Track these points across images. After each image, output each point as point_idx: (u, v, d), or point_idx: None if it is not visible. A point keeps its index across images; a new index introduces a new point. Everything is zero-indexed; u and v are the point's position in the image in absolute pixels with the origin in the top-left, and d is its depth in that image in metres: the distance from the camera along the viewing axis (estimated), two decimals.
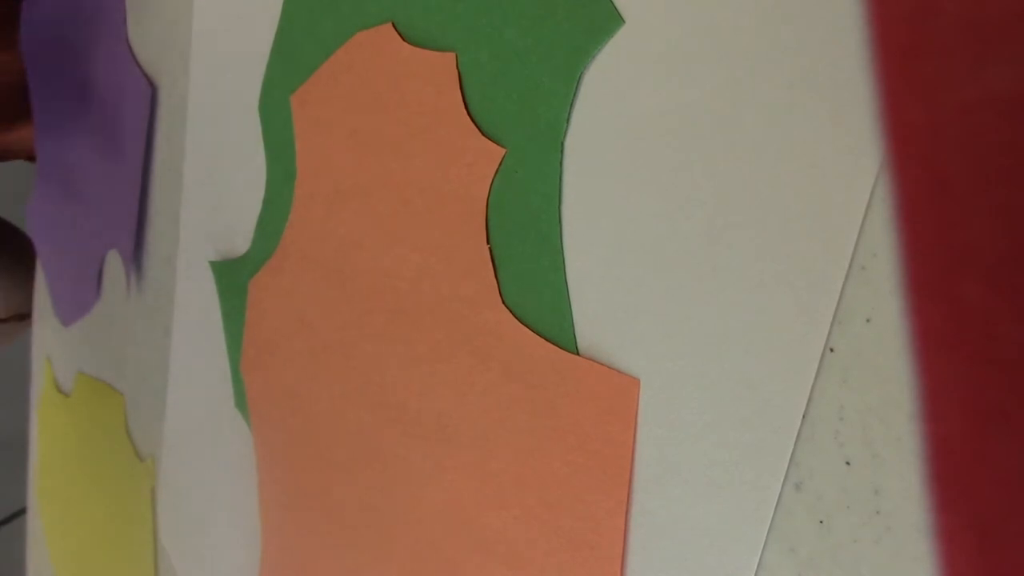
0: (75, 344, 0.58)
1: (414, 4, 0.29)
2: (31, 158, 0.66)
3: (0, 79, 0.59)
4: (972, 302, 0.11)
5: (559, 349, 0.26)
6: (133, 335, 0.50)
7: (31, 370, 0.68)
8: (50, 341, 0.62)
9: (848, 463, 0.21)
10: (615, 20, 0.24)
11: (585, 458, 0.26)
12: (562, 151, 0.25)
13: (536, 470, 0.27)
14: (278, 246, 0.36)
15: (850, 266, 0.20)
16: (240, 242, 0.39)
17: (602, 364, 0.25)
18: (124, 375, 0.52)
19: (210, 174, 0.40)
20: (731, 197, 0.22)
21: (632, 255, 0.24)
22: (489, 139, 0.27)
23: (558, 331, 0.26)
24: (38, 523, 0.68)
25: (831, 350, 0.21)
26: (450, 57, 0.28)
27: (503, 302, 0.27)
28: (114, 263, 0.51)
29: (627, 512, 0.25)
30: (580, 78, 0.25)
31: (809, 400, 0.21)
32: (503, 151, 0.27)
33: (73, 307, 0.55)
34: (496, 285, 0.27)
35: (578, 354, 0.26)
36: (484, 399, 0.28)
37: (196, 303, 0.43)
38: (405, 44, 0.29)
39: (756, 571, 0.23)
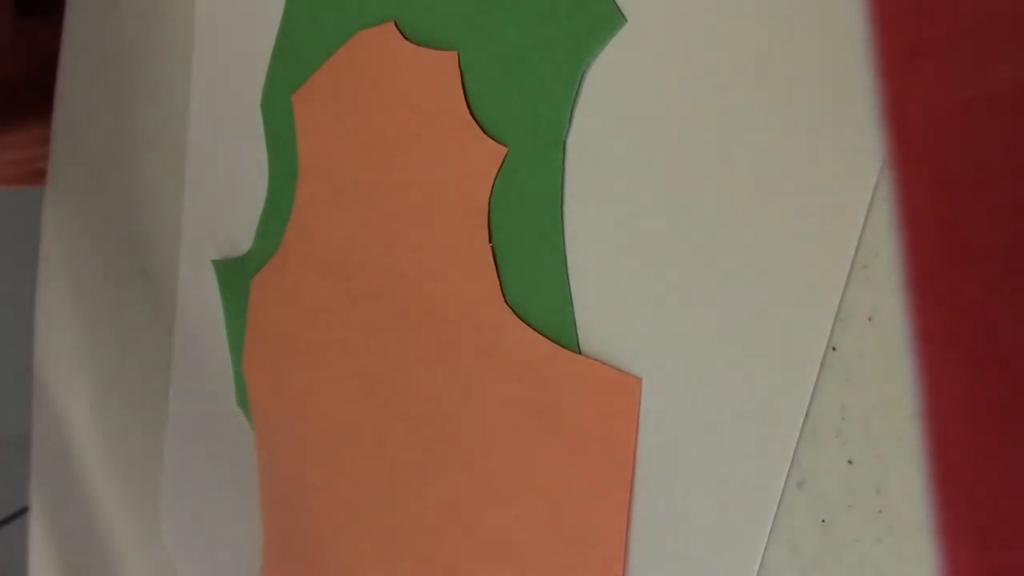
0: (78, 343, 0.58)
1: (415, 3, 0.29)
2: (25, 182, 0.65)
3: None
4: (973, 301, 0.11)
5: (561, 348, 0.26)
6: (135, 335, 0.50)
7: (32, 370, 0.68)
8: (52, 341, 0.62)
9: (850, 462, 0.21)
10: (617, 19, 0.24)
11: (587, 457, 0.26)
12: (564, 150, 0.25)
13: (538, 469, 0.27)
14: (280, 245, 0.36)
15: (852, 265, 0.20)
16: (242, 241, 0.39)
17: (604, 363, 0.25)
18: (127, 373, 0.52)
19: (212, 173, 0.40)
20: (733, 196, 0.22)
21: (634, 254, 0.24)
22: (491, 138, 0.27)
23: (560, 330, 0.26)
24: (40, 522, 0.68)
25: (833, 349, 0.21)
26: (452, 56, 0.28)
27: (505, 301, 0.27)
28: (115, 264, 0.51)
29: (629, 511, 0.25)
30: (582, 77, 0.25)
31: (811, 399, 0.21)
32: (505, 150, 0.27)
33: None
34: (498, 284, 0.28)
35: (580, 353, 0.26)
36: (486, 398, 0.28)
37: (198, 302, 0.43)
38: (407, 43, 0.29)
39: (758, 570, 0.23)
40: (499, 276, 0.28)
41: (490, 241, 0.28)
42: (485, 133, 0.27)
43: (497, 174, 0.27)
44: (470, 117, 0.27)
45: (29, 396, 0.68)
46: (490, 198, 0.27)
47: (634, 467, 0.25)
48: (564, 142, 0.25)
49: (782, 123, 0.21)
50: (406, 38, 0.29)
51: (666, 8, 0.23)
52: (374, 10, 0.30)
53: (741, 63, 0.22)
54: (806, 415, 0.21)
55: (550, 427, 0.27)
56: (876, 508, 0.21)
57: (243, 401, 0.40)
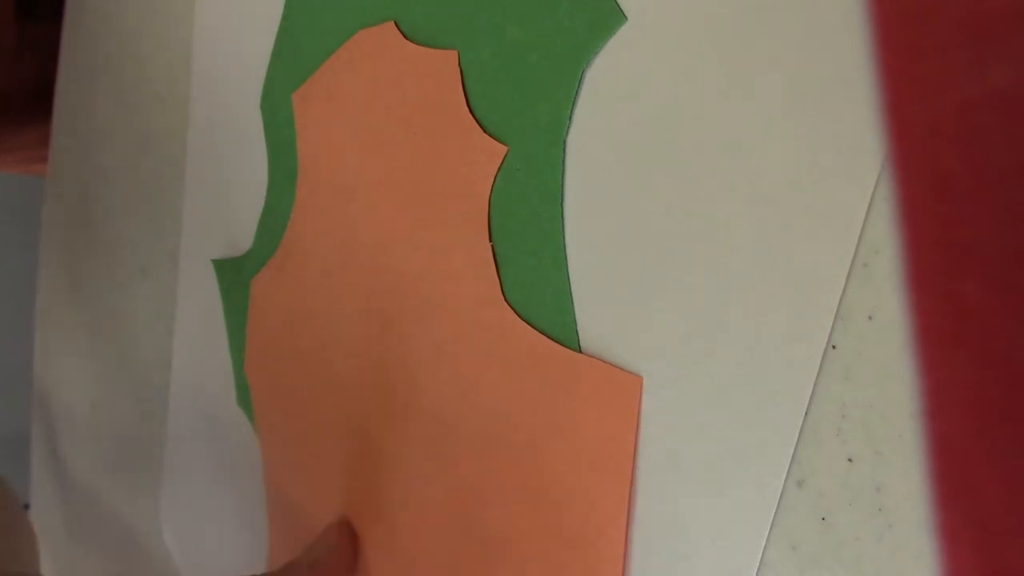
0: (78, 343, 0.58)
1: (415, 2, 0.29)
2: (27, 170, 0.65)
3: None
4: (973, 299, 0.11)
5: (561, 347, 0.26)
6: (135, 333, 0.50)
7: (32, 370, 0.68)
8: (52, 341, 0.62)
9: (850, 460, 0.21)
10: (617, 17, 0.24)
11: (587, 456, 0.26)
12: (564, 148, 0.25)
13: (538, 468, 0.27)
14: (280, 244, 0.36)
15: (852, 263, 0.20)
16: (242, 240, 0.39)
17: (604, 361, 0.25)
18: (127, 373, 0.52)
19: (212, 172, 0.40)
20: (733, 195, 0.22)
21: (634, 253, 0.24)
22: (491, 137, 0.27)
23: (560, 328, 0.26)
24: (40, 522, 0.68)
25: (833, 347, 0.21)
26: (452, 55, 0.28)
27: (505, 300, 0.27)
28: (115, 264, 0.51)
29: (629, 510, 0.25)
30: (582, 75, 0.25)
31: (811, 397, 0.21)
32: (505, 149, 0.27)
33: None
34: (498, 283, 0.28)
35: (580, 351, 0.26)
36: (486, 397, 0.28)
37: (198, 301, 0.43)
38: (407, 42, 0.29)
39: (758, 568, 0.23)
40: (499, 275, 0.28)
41: (490, 240, 0.28)
42: (485, 132, 0.27)
43: (497, 173, 0.27)
44: (470, 116, 0.27)
45: (29, 396, 0.68)
46: (490, 197, 0.27)
47: (634, 466, 0.25)
48: (564, 140, 0.25)
49: (782, 122, 0.21)
50: (406, 37, 0.29)
51: (666, 7, 0.23)
52: (374, 9, 0.30)
53: (741, 61, 0.22)
54: (806, 413, 0.22)
55: (550, 426, 0.27)
56: (876, 506, 0.21)
57: (243, 400, 0.40)
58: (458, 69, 0.28)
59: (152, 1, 0.44)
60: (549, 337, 0.26)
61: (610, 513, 0.26)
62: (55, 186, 0.59)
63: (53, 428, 0.65)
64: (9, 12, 0.57)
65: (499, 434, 0.28)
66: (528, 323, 0.27)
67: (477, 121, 0.27)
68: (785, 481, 0.22)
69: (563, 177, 0.26)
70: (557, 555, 0.27)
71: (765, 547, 0.23)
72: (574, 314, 0.26)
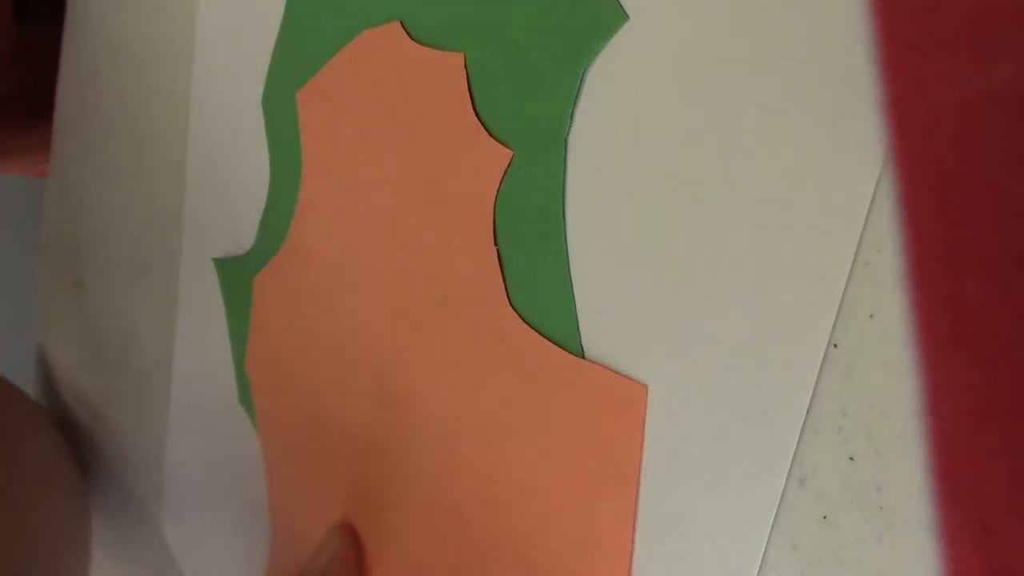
0: (78, 343, 0.58)
1: (417, 1, 0.29)
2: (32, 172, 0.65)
3: None
4: (975, 298, 0.11)
5: (565, 353, 0.26)
6: (136, 332, 0.50)
7: (31, 370, 0.68)
8: (52, 340, 0.62)
9: (851, 459, 0.21)
10: (619, 17, 0.24)
11: (592, 463, 0.26)
12: (566, 148, 0.25)
13: (543, 474, 0.27)
14: (284, 243, 0.36)
15: (854, 262, 0.20)
16: (244, 239, 0.39)
17: (608, 368, 0.25)
18: (127, 372, 0.52)
19: (213, 170, 0.40)
20: (735, 194, 0.22)
21: (635, 253, 0.24)
22: (496, 140, 0.27)
23: (563, 331, 0.26)
24: None
25: (834, 346, 0.21)
26: (458, 57, 0.28)
27: (510, 304, 0.27)
28: (116, 263, 0.51)
29: (635, 518, 0.25)
30: (583, 75, 0.25)
31: (812, 396, 0.21)
32: (511, 153, 0.27)
33: None
34: (503, 286, 0.27)
35: (583, 355, 0.26)
36: (490, 401, 0.28)
37: (199, 300, 0.43)
38: (413, 43, 0.29)
39: (759, 568, 0.23)
40: (504, 278, 0.27)
41: (495, 244, 0.27)
42: (490, 135, 0.27)
43: (503, 177, 0.27)
44: (476, 120, 0.27)
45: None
46: (495, 201, 0.27)
47: (640, 475, 0.25)
48: (566, 140, 0.25)
49: (784, 120, 0.21)
50: (411, 38, 0.29)
51: (668, 6, 0.23)
52: (376, 8, 0.30)
53: (743, 60, 0.22)
54: (807, 412, 0.22)
55: (555, 432, 0.27)
56: (877, 505, 0.21)
57: (245, 399, 0.40)
58: (464, 72, 0.28)
59: (152, 1, 0.44)
60: (553, 340, 0.26)
61: (615, 521, 0.25)
62: (55, 186, 0.59)
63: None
64: (7, 14, 0.57)
65: (502, 438, 0.28)
66: (532, 326, 0.27)
67: (482, 123, 0.27)
68: (786, 480, 0.22)
69: (565, 177, 0.26)
70: (561, 563, 0.27)
71: (766, 546, 0.23)
72: (576, 315, 0.26)
